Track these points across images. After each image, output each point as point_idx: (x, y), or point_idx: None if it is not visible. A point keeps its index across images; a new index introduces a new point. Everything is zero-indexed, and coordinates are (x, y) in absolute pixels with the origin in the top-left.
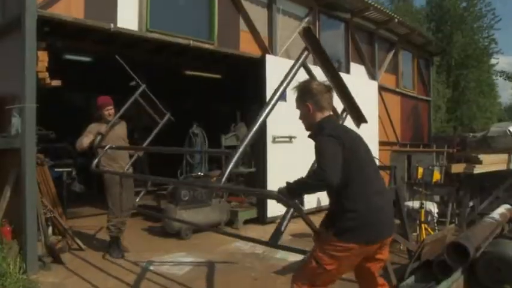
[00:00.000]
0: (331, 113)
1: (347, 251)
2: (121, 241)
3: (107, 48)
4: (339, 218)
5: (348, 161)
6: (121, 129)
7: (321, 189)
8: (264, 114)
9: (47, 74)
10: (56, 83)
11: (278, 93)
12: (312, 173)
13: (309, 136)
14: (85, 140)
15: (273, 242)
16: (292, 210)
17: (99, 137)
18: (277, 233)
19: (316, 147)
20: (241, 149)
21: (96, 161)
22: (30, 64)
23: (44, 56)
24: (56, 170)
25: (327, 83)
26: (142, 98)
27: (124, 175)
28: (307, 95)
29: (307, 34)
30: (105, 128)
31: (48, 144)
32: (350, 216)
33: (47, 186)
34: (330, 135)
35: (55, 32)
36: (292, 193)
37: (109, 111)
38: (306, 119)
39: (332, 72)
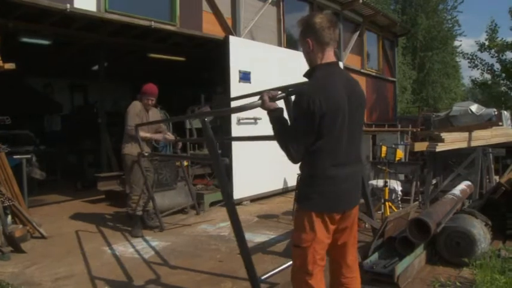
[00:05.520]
0: (334, 50)
1: (309, 219)
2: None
3: (67, 31)
4: (301, 185)
5: (320, 124)
6: (156, 115)
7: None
8: None
9: None
10: (10, 66)
11: None
12: (288, 133)
13: (304, 75)
14: (143, 134)
15: None
16: None
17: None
18: None
19: (294, 102)
20: None
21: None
22: None
23: None
24: (14, 157)
25: (332, 16)
26: None
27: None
28: (308, 29)
29: None
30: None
31: (6, 131)
32: (309, 182)
33: (4, 173)
34: (308, 100)
35: (8, 14)
36: (272, 115)
37: (150, 101)
38: (307, 56)
39: None
